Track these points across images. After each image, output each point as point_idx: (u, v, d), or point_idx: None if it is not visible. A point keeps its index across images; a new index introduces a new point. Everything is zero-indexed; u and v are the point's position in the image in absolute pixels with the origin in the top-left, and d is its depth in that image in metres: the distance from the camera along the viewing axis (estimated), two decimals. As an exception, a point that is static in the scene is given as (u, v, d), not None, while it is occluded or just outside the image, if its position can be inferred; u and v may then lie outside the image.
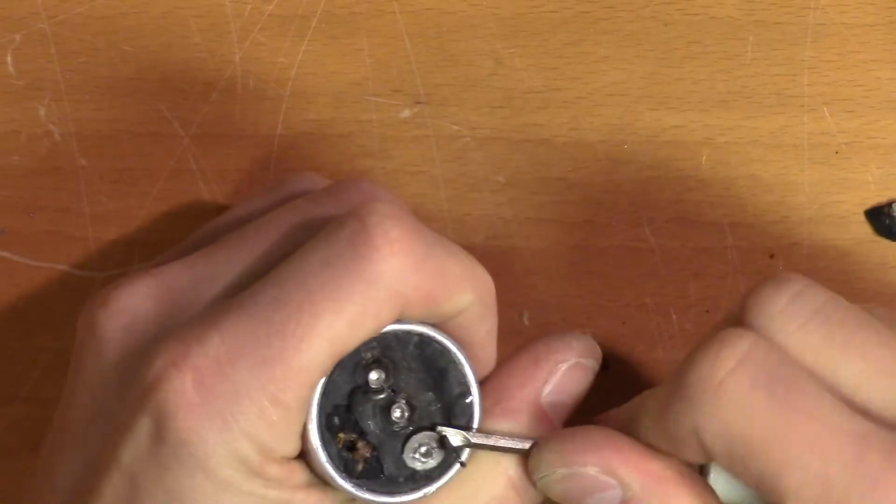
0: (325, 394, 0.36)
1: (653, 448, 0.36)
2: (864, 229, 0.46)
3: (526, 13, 0.46)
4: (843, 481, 0.32)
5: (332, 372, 0.36)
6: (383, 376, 0.36)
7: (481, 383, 0.38)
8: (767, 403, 0.33)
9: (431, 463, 0.37)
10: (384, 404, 0.37)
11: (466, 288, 0.37)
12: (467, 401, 0.37)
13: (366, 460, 0.37)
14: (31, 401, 0.46)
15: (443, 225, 0.45)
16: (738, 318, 0.36)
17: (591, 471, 0.36)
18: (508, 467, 0.38)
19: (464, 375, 0.37)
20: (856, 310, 0.35)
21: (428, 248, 0.36)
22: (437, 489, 0.37)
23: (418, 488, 0.37)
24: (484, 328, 0.38)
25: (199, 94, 0.46)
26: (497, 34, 0.46)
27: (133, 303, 0.37)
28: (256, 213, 0.39)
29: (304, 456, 0.36)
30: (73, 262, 0.46)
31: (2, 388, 0.46)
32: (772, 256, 0.46)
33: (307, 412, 0.36)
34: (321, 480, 0.37)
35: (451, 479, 0.37)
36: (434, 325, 0.37)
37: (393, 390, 0.37)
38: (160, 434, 0.34)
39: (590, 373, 0.40)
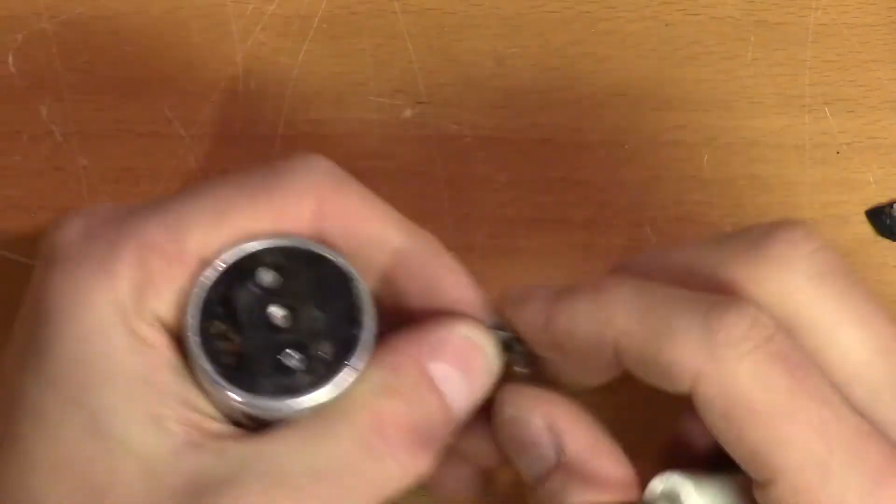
0: (216, 283, 0.36)
1: (633, 354, 0.35)
2: (865, 229, 0.46)
3: (527, 13, 0.46)
4: (844, 473, 0.32)
5: (229, 265, 0.36)
6: (278, 281, 0.36)
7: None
8: (784, 377, 0.33)
9: (305, 379, 0.36)
10: (268, 305, 0.36)
11: (394, 221, 0.37)
12: (354, 332, 0.37)
13: (237, 357, 0.36)
14: (31, 401, 0.46)
15: (444, 224, 0.45)
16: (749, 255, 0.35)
17: (537, 423, 0.36)
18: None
19: (359, 309, 0.37)
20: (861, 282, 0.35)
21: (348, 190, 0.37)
22: (303, 409, 0.35)
23: (281, 397, 0.35)
24: (442, 263, 0.37)
25: (200, 94, 0.46)
26: (498, 34, 0.46)
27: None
28: None
29: (181, 344, 0.36)
30: (74, 261, 0.45)
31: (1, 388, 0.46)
32: (773, 257, 0.46)
33: (190, 288, 0.35)
34: (190, 367, 0.36)
35: (319, 402, 0.36)
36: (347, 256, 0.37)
37: (280, 296, 0.36)
38: (45, 268, 0.35)
39: (484, 357, 0.37)
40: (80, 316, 0.34)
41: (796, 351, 0.33)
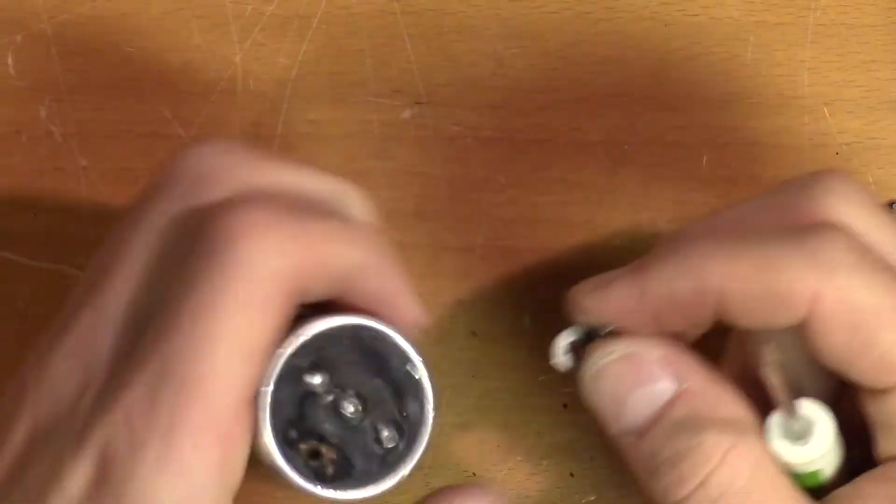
0: (273, 412, 0.35)
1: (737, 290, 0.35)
2: (865, 230, 0.46)
3: (526, 14, 0.46)
4: None
5: (275, 389, 0.35)
6: (327, 378, 0.36)
7: None
8: (887, 281, 0.34)
9: (401, 446, 0.37)
10: (335, 404, 0.36)
11: (350, 241, 0.36)
12: (416, 377, 0.37)
13: (333, 462, 0.36)
14: (31, 401, 0.46)
15: (443, 225, 0.45)
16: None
17: (654, 354, 0.36)
18: None
19: (403, 352, 0.37)
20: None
21: (296, 223, 0.35)
22: (412, 469, 0.37)
23: (394, 473, 0.37)
24: (391, 281, 0.37)
25: (199, 95, 0.46)
26: (498, 35, 0.46)
27: (54, 375, 0.36)
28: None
29: (272, 478, 0.36)
30: (73, 262, 0.45)
31: (1, 387, 0.46)
32: (772, 257, 0.46)
33: (259, 433, 0.35)
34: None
35: (422, 455, 0.37)
36: (364, 314, 0.37)
37: (340, 388, 0.36)
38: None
39: None
40: None
41: (879, 258, 0.35)
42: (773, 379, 0.34)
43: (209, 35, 0.46)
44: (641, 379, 0.36)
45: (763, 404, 0.36)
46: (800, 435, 0.35)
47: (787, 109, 0.46)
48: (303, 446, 0.36)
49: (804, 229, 0.35)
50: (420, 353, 0.37)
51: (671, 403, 0.36)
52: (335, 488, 0.36)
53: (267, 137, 0.46)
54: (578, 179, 0.46)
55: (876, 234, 0.36)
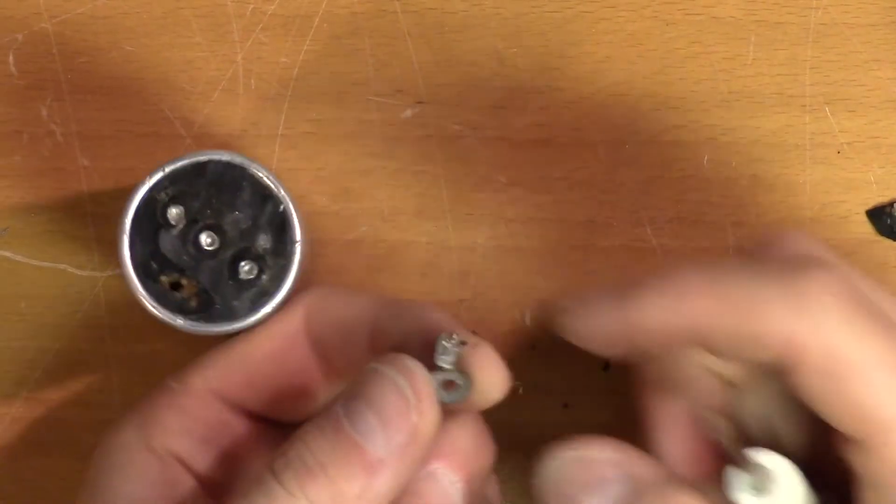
0: (132, 246, 0.37)
1: (709, 334, 0.34)
2: (866, 229, 0.46)
3: (528, 13, 0.46)
4: None
5: (133, 226, 0.36)
6: (182, 210, 0.37)
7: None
8: (879, 329, 0.32)
9: (264, 279, 0.37)
10: (194, 238, 0.37)
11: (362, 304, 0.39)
12: (280, 209, 0.37)
13: (197, 296, 0.37)
14: (31, 401, 0.46)
15: (445, 224, 0.45)
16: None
17: (604, 456, 0.35)
18: None
19: (265, 187, 0.37)
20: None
21: None
22: (278, 303, 0.38)
23: (260, 307, 0.37)
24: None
25: (200, 94, 0.46)
26: (499, 34, 0.46)
27: None
28: None
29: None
30: (73, 262, 0.45)
31: (2, 388, 0.46)
32: (773, 256, 0.46)
33: (123, 271, 0.37)
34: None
35: (289, 290, 0.37)
36: (226, 151, 0.38)
37: (198, 221, 0.37)
38: None
39: (393, 387, 0.35)
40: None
41: (865, 296, 0.33)
42: (722, 430, 0.34)
43: (210, 34, 0.46)
44: (591, 482, 0.35)
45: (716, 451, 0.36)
46: (761, 486, 0.35)
47: (788, 108, 0.46)
48: (164, 278, 0.37)
49: (795, 266, 0.34)
50: (283, 187, 0.37)
51: None
52: (196, 321, 0.37)
53: (269, 137, 0.46)
54: (579, 179, 0.46)
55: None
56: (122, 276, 0.37)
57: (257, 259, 0.37)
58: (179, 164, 0.37)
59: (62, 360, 0.46)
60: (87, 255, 0.45)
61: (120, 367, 0.46)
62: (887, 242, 0.46)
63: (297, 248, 0.37)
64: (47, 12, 0.46)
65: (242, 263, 0.37)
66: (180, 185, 0.37)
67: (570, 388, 0.46)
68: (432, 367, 0.34)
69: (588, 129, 0.46)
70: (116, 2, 0.46)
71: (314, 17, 0.46)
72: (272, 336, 0.38)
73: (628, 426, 0.46)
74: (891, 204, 0.46)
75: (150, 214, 0.37)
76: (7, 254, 0.46)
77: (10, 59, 0.46)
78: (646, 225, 0.46)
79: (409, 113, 0.46)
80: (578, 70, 0.46)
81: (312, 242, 0.38)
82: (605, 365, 0.46)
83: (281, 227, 0.38)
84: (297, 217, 0.38)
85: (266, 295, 0.38)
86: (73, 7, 0.46)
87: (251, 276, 0.37)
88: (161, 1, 0.46)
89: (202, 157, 0.37)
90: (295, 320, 0.38)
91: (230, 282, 0.37)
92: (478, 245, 0.46)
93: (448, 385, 0.35)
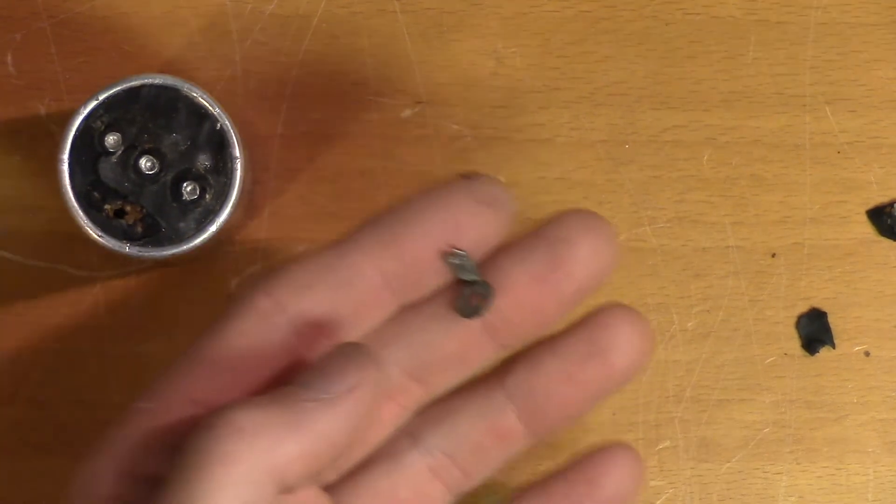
0: (72, 177, 0.37)
1: None
2: (866, 229, 0.46)
3: (527, 12, 0.46)
4: None
5: (71, 157, 0.37)
6: (119, 137, 0.37)
7: None
8: None
9: (208, 199, 0.38)
10: (134, 163, 0.37)
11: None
12: (217, 127, 0.38)
13: (142, 221, 0.38)
14: (31, 401, 0.46)
15: (444, 225, 0.45)
16: None
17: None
18: None
19: (201, 107, 0.38)
20: None
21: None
22: (222, 222, 0.38)
23: (205, 227, 0.38)
24: None
25: (199, 94, 0.46)
26: (498, 34, 0.46)
27: None
28: None
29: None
30: (73, 262, 0.45)
31: (2, 387, 0.46)
32: (773, 256, 0.46)
33: (63, 201, 0.37)
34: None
35: (232, 208, 0.38)
36: (159, 74, 0.38)
37: (136, 146, 0.38)
38: None
39: None
40: None
41: None
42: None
43: (209, 34, 0.46)
44: None
45: None
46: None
47: (788, 108, 0.46)
48: (107, 206, 0.38)
49: None
50: (219, 105, 0.38)
51: None
52: (143, 246, 0.37)
53: (267, 137, 0.46)
54: (578, 179, 0.46)
55: None
56: (66, 209, 0.38)
57: (198, 179, 0.38)
58: (113, 90, 0.38)
59: (62, 360, 0.46)
60: (87, 254, 0.45)
61: (119, 367, 0.46)
62: (887, 242, 0.46)
63: (238, 165, 0.38)
64: (46, 12, 0.46)
65: (184, 185, 0.38)
66: (115, 112, 0.38)
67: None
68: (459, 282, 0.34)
69: (587, 129, 0.46)
70: (115, 1, 0.46)
71: (313, 16, 0.46)
72: (244, 332, 0.36)
73: (628, 426, 0.46)
74: (891, 204, 0.46)
75: (89, 143, 0.38)
76: (6, 254, 0.46)
77: (9, 58, 0.46)
78: (646, 225, 0.46)
79: (408, 113, 0.46)
80: (578, 69, 0.46)
81: (251, 160, 0.39)
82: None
83: (219, 145, 0.38)
84: (235, 134, 0.38)
85: (211, 214, 0.38)
86: (72, 7, 0.46)
87: (194, 197, 0.38)
88: (160, 1, 0.46)
89: (135, 82, 0.38)
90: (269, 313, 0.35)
91: (174, 204, 0.38)
92: (477, 245, 0.45)
93: (473, 298, 0.35)
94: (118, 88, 0.38)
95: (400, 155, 0.46)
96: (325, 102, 0.46)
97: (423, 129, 0.46)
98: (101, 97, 0.38)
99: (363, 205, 0.45)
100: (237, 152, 0.38)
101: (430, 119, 0.46)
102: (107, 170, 0.38)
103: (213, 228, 0.38)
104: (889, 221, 0.46)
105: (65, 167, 0.37)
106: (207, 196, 0.38)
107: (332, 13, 0.46)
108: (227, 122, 0.38)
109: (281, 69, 0.46)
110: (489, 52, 0.46)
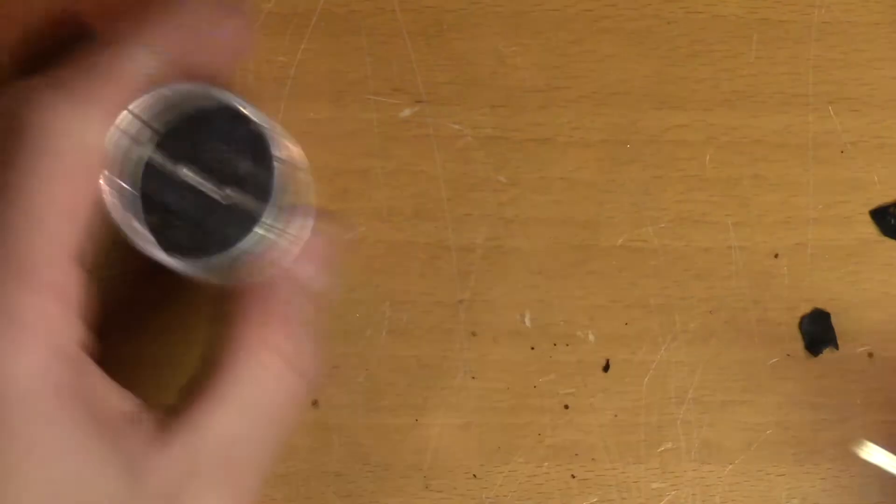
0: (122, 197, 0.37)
1: None
2: (870, 229, 0.46)
3: (528, 11, 0.46)
4: None
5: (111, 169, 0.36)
6: (162, 149, 0.37)
7: None
8: None
9: (249, 199, 0.38)
10: (171, 172, 0.37)
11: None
12: (255, 129, 0.38)
13: (187, 231, 0.37)
14: (29, 401, 0.46)
15: (444, 224, 0.45)
16: None
17: None
18: None
19: (237, 111, 0.37)
20: None
21: None
22: (269, 224, 0.37)
23: (249, 231, 0.37)
24: None
25: (198, 93, 0.46)
26: (498, 32, 0.46)
27: None
28: None
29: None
30: (71, 261, 0.45)
31: None
32: (776, 256, 0.46)
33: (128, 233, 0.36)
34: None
35: (273, 207, 0.37)
36: (190, 82, 0.37)
37: (176, 157, 0.37)
38: None
39: None
40: None
41: None
42: None
43: (207, 33, 0.46)
44: None
45: None
46: None
47: (790, 108, 0.46)
48: (152, 220, 0.37)
49: None
50: (254, 108, 0.37)
51: None
52: (193, 258, 0.37)
53: (266, 136, 0.46)
54: (579, 179, 0.46)
55: None
56: (128, 237, 0.37)
57: (239, 182, 0.37)
58: (144, 101, 0.37)
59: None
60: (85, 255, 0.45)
61: (121, 367, 0.46)
62: (891, 243, 0.46)
63: (275, 164, 0.38)
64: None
65: (226, 189, 0.37)
66: (153, 125, 0.37)
67: (570, 389, 0.45)
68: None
69: (588, 129, 0.46)
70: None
71: (311, 15, 0.46)
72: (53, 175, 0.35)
73: (630, 428, 0.46)
74: (895, 204, 0.46)
75: (131, 159, 0.37)
76: (4, 254, 0.45)
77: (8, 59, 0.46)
78: (647, 225, 0.46)
79: (407, 112, 0.46)
80: (579, 68, 0.46)
81: (294, 157, 0.38)
82: (606, 365, 0.45)
83: (258, 146, 0.38)
84: (273, 133, 0.38)
85: (254, 216, 0.38)
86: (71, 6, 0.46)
87: (237, 200, 0.37)
88: None
89: (167, 92, 0.37)
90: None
91: (218, 210, 0.37)
92: (477, 245, 0.45)
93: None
94: (150, 99, 0.37)
95: (400, 154, 0.46)
96: (323, 101, 0.46)
97: (422, 128, 0.46)
98: (134, 109, 0.37)
99: (362, 205, 0.45)
100: (276, 152, 0.38)
101: (430, 118, 0.46)
102: (152, 184, 0.37)
103: (259, 230, 0.37)
104: (893, 221, 0.46)
105: (116, 192, 0.37)
106: (250, 198, 0.38)
107: (330, 12, 0.46)
108: (265, 123, 0.38)
109: (279, 68, 0.46)
110: (489, 50, 0.46)
